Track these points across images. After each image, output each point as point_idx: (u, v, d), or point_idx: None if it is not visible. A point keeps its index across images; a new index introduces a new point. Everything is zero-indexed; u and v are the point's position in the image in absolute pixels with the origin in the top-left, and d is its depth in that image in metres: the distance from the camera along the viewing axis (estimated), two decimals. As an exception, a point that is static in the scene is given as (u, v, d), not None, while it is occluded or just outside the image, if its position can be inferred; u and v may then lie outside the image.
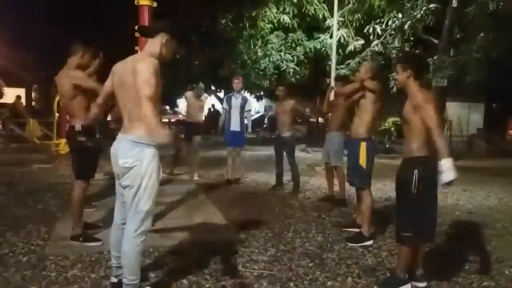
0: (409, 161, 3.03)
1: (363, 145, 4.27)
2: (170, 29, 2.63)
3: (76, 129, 3.75)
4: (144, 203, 2.56)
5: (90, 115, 3.23)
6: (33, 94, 23.00)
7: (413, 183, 2.91)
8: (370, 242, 4.14)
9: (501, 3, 8.65)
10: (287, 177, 6.91)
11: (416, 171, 2.91)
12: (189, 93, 7.48)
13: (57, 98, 8.99)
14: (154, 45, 2.61)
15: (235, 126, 6.98)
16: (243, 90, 7.21)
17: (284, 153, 6.67)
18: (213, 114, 22.40)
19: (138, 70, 2.42)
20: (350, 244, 4.13)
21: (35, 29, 12.95)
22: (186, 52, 13.47)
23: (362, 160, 4.26)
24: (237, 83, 7.08)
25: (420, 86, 3.02)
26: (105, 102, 2.90)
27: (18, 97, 15.02)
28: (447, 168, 2.71)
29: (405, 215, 3.03)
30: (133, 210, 2.57)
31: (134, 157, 2.52)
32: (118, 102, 2.65)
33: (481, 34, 9.28)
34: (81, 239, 3.72)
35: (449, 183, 2.74)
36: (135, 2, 4.63)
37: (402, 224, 3.07)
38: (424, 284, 3.14)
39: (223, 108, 7.50)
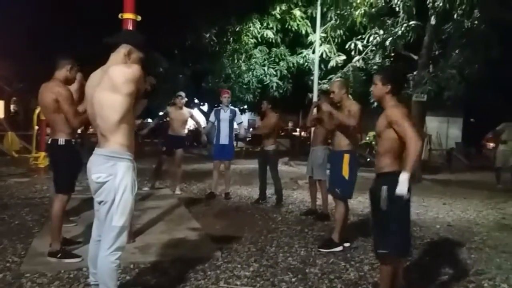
0: (379, 177, 3.04)
1: (346, 157, 4.38)
2: (130, 40, 2.62)
3: (59, 143, 3.70)
4: (118, 219, 2.50)
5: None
6: (11, 107, 22.59)
7: (382, 199, 2.89)
8: (339, 248, 4.33)
9: (475, 22, 8.94)
10: (270, 190, 6.92)
11: (385, 188, 2.88)
12: (170, 108, 7.38)
13: (37, 111, 8.85)
14: (116, 57, 2.59)
15: (224, 139, 6.97)
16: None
17: (267, 166, 6.68)
18: (197, 129, 22.30)
19: (127, 78, 2.43)
20: (321, 250, 4.30)
21: (13, 40, 12.77)
22: (169, 66, 13.49)
23: (345, 172, 4.37)
24: (225, 96, 7.08)
25: (397, 102, 3.03)
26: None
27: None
28: (401, 182, 2.72)
29: (379, 232, 3.03)
30: (107, 226, 2.52)
31: (107, 172, 2.48)
32: (90, 117, 2.64)
33: (456, 51, 9.55)
34: (59, 255, 3.62)
35: (398, 197, 2.74)
36: (119, 16, 4.62)
37: (378, 241, 3.07)
38: None
39: (209, 121, 7.48)
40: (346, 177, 4.36)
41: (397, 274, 3.12)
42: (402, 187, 2.72)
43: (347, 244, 4.44)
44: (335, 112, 4.46)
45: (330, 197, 4.98)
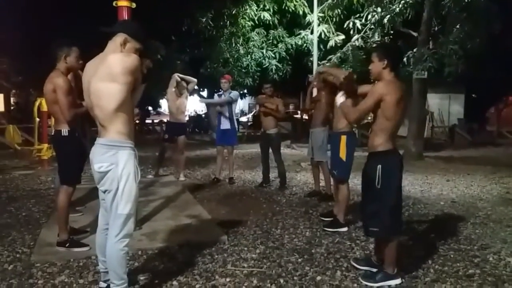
0: (373, 156, 3.08)
1: (343, 138, 4.43)
2: (126, 29, 2.59)
3: (62, 134, 3.70)
4: (123, 207, 2.53)
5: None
6: (12, 100, 22.55)
7: (377, 178, 2.95)
8: (344, 229, 4.37)
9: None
10: (273, 174, 6.94)
11: (379, 166, 2.95)
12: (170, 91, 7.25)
13: (37, 103, 8.83)
14: (112, 45, 2.56)
15: (225, 124, 6.95)
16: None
17: (270, 150, 6.68)
18: (198, 115, 22.32)
19: (125, 67, 2.42)
20: (326, 229, 4.37)
21: (11, 34, 12.66)
22: (167, 52, 13.39)
23: (342, 153, 4.42)
24: (223, 82, 7.02)
25: (394, 78, 3.03)
26: None
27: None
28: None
29: (371, 210, 3.07)
30: (113, 215, 2.55)
31: (109, 161, 2.49)
32: (88, 106, 2.64)
33: (457, 27, 9.43)
34: (67, 244, 3.66)
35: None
36: (114, 4, 4.57)
37: (368, 219, 3.12)
38: (398, 281, 3.11)
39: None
40: (344, 158, 4.42)
41: (382, 251, 3.15)
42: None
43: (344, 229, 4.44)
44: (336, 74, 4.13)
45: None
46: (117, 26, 2.67)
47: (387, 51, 3.11)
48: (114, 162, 2.49)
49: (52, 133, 3.83)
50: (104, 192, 2.57)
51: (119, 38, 2.55)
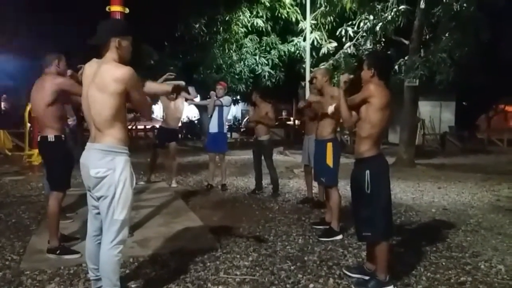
0: (360, 162, 3.12)
1: (329, 145, 4.49)
2: (114, 31, 2.57)
3: (49, 139, 3.67)
4: (119, 213, 2.52)
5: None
6: (2, 104, 22.34)
7: (366, 183, 2.99)
8: (340, 237, 4.36)
9: (464, 5, 8.91)
10: (266, 180, 6.93)
11: (367, 172, 3.00)
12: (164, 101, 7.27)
13: (28, 108, 8.76)
14: (110, 51, 2.54)
15: (213, 128, 6.93)
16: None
17: (262, 156, 6.68)
18: (190, 122, 22.25)
19: (115, 79, 2.41)
20: (322, 239, 4.32)
21: (1, 38, 12.59)
22: (160, 58, 13.37)
23: (329, 160, 4.48)
24: (219, 89, 7.00)
25: (383, 86, 3.07)
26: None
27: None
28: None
29: (363, 215, 3.10)
30: (109, 221, 2.52)
31: (106, 166, 2.48)
32: (84, 110, 2.62)
33: (446, 35, 9.54)
34: (58, 251, 3.62)
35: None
36: (107, 9, 4.57)
37: (361, 224, 3.15)
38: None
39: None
40: (331, 165, 4.47)
41: (374, 256, 3.16)
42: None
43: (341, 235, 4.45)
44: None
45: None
46: (104, 32, 2.58)
47: (375, 61, 3.17)
48: (111, 168, 2.48)
49: (38, 139, 3.79)
50: (99, 198, 2.54)
51: (113, 43, 2.53)
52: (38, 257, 3.63)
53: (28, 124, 9.17)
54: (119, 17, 4.53)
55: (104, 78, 2.43)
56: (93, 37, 2.55)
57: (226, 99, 6.99)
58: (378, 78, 3.07)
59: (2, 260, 3.64)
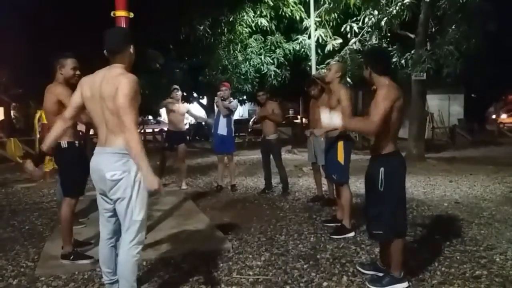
0: (375, 159, 3.08)
1: (340, 143, 4.43)
2: (130, 38, 2.65)
3: (62, 146, 3.69)
4: (138, 213, 2.55)
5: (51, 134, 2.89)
6: (12, 113, 22.59)
7: (380, 181, 2.95)
8: (352, 234, 4.33)
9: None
10: (275, 179, 6.92)
11: (382, 169, 2.95)
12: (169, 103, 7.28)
13: (37, 115, 8.84)
14: (123, 58, 2.58)
15: (222, 130, 6.92)
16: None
17: (271, 156, 6.67)
18: (198, 124, 22.23)
19: (121, 87, 2.42)
20: (334, 236, 4.30)
21: (10, 47, 12.72)
22: (166, 61, 13.43)
23: (340, 157, 4.43)
24: (224, 90, 7.00)
25: (388, 81, 2.98)
26: (75, 115, 2.78)
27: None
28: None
29: (374, 213, 3.06)
30: (128, 221, 2.55)
31: (121, 169, 2.50)
32: (92, 115, 2.63)
33: (453, 27, 9.45)
34: (72, 257, 3.65)
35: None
36: (112, 14, 4.58)
37: (372, 222, 3.11)
38: (405, 284, 3.08)
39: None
40: (342, 162, 4.43)
41: (389, 255, 3.12)
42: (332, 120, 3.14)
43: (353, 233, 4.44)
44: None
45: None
46: (121, 40, 2.62)
47: (367, 59, 3.15)
48: (126, 170, 2.50)
49: (52, 146, 3.80)
50: (116, 201, 2.55)
51: (129, 50, 2.60)
52: (53, 263, 3.66)
53: (38, 130, 9.24)
54: (124, 22, 4.55)
55: (117, 83, 2.43)
56: (113, 44, 2.57)
57: (234, 103, 7.01)
58: (378, 75, 3.01)
59: (17, 267, 3.68)
